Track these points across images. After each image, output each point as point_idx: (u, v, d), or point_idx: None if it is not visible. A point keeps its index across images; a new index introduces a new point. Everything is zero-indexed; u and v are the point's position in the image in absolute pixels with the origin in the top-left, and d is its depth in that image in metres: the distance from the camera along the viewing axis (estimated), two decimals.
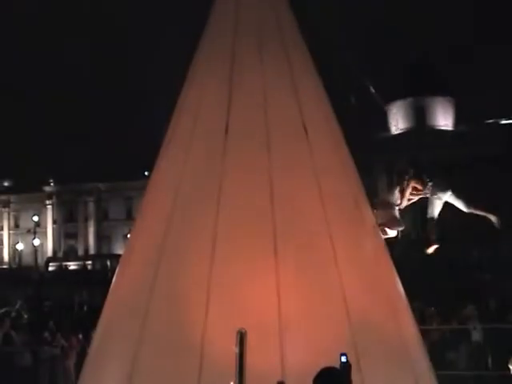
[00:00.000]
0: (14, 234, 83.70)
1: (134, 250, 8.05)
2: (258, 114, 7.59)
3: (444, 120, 70.95)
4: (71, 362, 13.97)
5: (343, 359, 4.64)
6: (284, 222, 7.09)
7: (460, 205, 9.21)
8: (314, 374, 3.99)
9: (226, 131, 7.50)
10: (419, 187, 9.02)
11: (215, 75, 8.01)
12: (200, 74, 8.23)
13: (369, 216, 8.25)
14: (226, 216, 7.13)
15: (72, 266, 72.54)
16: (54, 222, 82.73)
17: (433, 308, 17.61)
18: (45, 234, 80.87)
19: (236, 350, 5.55)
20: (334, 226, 7.34)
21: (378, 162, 67.34)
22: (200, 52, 8.38)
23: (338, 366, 4.57)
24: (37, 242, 69.33)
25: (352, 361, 6.47)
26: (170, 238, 7.36)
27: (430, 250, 9.60)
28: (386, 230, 8.53)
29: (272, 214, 7.09)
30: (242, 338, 5.57)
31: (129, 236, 9.98)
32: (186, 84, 8.39)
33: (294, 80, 7.92)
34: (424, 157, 64.42)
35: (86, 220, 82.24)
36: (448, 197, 9.12)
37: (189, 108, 8.13)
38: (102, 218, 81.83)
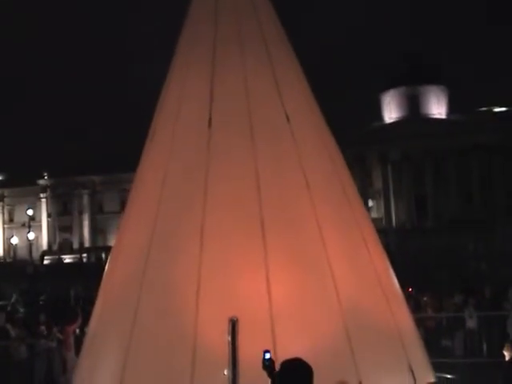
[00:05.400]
0: (8, 227, 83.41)
1: (123, 244, 8.08)
2: (240, 105, 7.63)
3: (437, 109, 70.97)
4: (67, 355, 13.95)
5: (267, 356, 4.61)
6: (271, 210, 7.14)
7: None
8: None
9: (210, 123, 7.52)
10: None
11: (196, 68, 8.02)
12: (181, 67, 8.23)
13: (356, 201, 8.27)
14: (213, 206, 7.16)
15: (67, 259, 72.38)
16: (49, 215, 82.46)
17: (425, 298, 17.77)
18: (39, 227, 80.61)
19: (228, 338, 5.57)
20: (321, 211, 7.38)
21: (372, 152, 67.38)
22: (181, 44, 8.39)
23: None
24: (31, 235, 69.07)
25: (344, 345, 6.51)
26: (159, 229, 7.38)
27: None
28: None
29: (259, 202, 7.14)
30: (233, 325, 5.60)
31: (118, 230, 9.98)
32: (167, 77, 8.40)
33: (274, 69, 7.95)
34: (417, 146, 64.61)
35: (81, 213, 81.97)
36: None
37: (171, 101, 8.14)
38: (97, 210, 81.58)
